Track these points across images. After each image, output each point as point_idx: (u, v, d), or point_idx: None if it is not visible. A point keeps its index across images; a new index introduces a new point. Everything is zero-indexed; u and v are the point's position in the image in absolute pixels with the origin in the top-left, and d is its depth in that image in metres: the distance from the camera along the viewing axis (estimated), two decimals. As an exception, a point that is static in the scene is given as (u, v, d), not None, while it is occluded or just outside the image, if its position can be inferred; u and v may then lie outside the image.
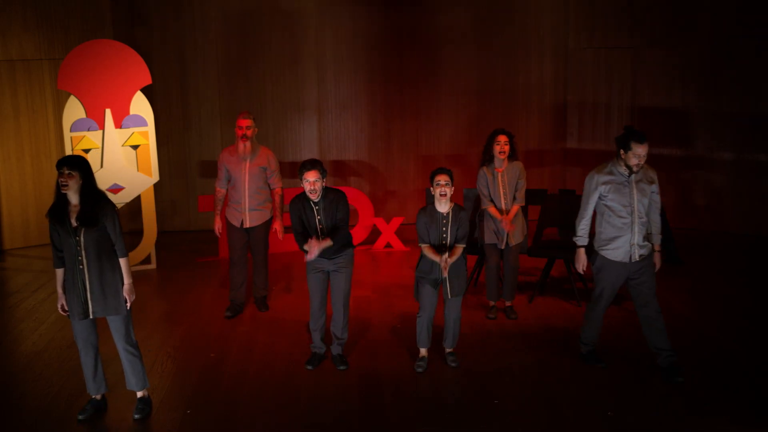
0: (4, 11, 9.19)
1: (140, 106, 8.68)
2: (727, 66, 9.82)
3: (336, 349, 6.04)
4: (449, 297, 5.86)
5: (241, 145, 6.83)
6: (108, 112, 8.49)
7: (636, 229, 5.56)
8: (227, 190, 7.04)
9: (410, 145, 10.52)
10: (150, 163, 8.70)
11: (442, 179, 5.66)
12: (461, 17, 10.28)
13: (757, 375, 5.76)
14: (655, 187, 5.64)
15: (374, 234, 9.52)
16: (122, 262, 5.10)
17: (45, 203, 9.65)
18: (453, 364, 5.95)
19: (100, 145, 8.47)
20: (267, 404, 5.41)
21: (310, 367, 5.94)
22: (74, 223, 4.96)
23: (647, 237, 5.68)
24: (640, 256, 5.62)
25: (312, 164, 5.71)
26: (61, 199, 4.99)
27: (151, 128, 8.72)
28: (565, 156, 10.63)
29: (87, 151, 8.44)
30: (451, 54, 10.33)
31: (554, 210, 7.60)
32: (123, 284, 5.10)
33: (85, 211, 4.94)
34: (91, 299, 5.03)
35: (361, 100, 10.42)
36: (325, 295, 6.00)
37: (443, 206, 5.73)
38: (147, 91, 8.88)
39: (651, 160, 5.75)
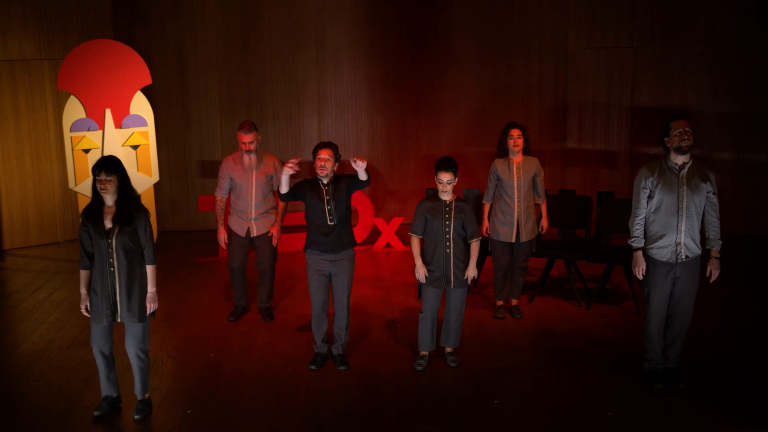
0: (4, 11, 9.19)
1: (140, 106, 8.69)
2: (727, 66, 9.83)
3: (336, 349, 6.05)
4: (452, 287, 5.84)
5: (246, 159, 6.79)
6: (108, 112, 8.49)
7: (683, 227, 5.35)
8: (229, 197, 6.96)
9: (410, 144, 10.52)
10: (150, 163, 8.70)
11: (444, 177, 5.73)
12: (461, 17, 10.27)
13: (757, 375, 5.77)
14: (710, 186, 5.37)
15: (374, 234, 9.52)
16: (149, 269, 5.10)
17: (45, 203, 9.71)
18: (453, 365, 5.95)
19: (100, 145, 8.47)
20: (267, 404, 5.41)
21: (313, 368, 5.94)
22: (108, 225, 4.97)
23: (705, 241, 5.42)
24: (687, 257, 5.40)
25: (327, 143, 5.89)
26: (96, 201, 5.01)
27: (151, 128, 8.73)
28: (565, 156, 10.63)
29: (87, 151, 8.44)
30: (451, 54, 10.33)
31: (554, 210, 7.59)
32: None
33: (121, 212, 4.96)
34: (120, 303, 5.04)
35: (361, 100, 10.42)
36: (327, 298, 6.01)
37: (446, 196, 5.83)
38: (147, 91, 8.88)
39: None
